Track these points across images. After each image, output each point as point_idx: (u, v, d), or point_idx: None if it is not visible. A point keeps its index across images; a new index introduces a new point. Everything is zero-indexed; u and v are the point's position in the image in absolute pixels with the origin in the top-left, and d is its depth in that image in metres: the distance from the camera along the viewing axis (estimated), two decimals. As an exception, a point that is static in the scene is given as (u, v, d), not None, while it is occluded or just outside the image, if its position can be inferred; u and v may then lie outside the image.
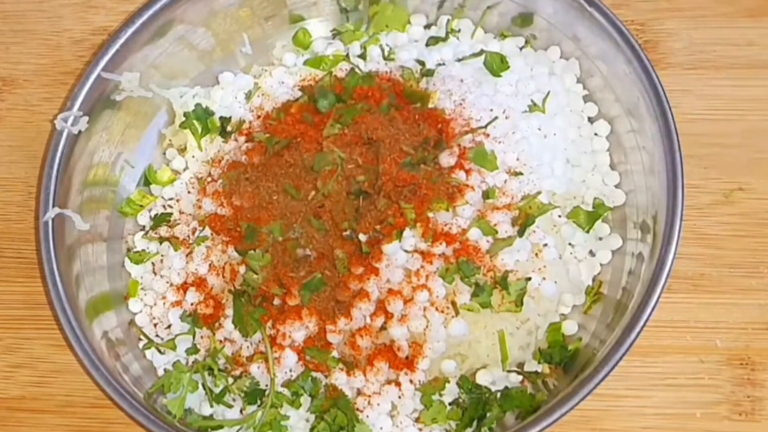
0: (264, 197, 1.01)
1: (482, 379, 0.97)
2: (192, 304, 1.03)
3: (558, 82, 1.07)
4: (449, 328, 0.96)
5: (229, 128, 1.09)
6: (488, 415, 0.96)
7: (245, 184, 1.02)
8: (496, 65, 1.05)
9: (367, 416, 0.96)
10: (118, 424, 1.05)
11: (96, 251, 1.06)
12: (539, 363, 0.99)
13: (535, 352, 1.00)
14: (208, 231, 1.03)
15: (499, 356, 0.98)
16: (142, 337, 1.05)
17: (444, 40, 1.09)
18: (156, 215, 1.08)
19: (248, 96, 1.11)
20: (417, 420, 0.97)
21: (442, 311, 0.96)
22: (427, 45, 1.09)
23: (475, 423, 0.97)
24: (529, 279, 0.97)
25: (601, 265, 1.02)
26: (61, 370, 1.08)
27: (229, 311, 1.00)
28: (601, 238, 1.03)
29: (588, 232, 1.01)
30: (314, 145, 1.01)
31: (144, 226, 1.09)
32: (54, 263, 0.99)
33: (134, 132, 1.10)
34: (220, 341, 1.01)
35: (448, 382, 0.97)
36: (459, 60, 1.07)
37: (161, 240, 1.06)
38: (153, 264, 1.07)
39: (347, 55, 1.09)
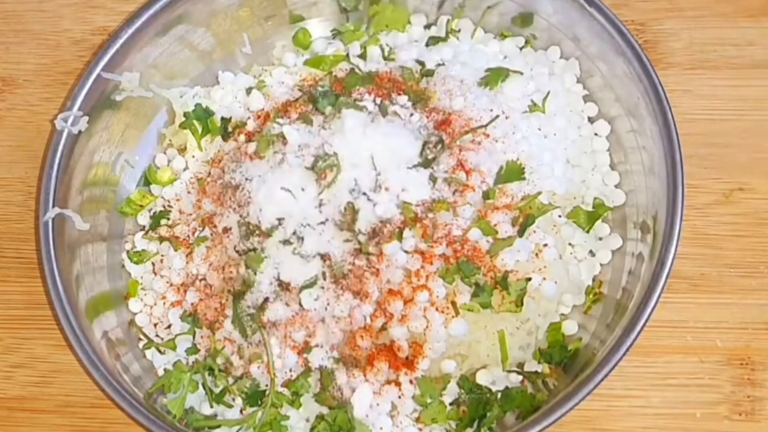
0: (264, 197, 1.01)
1: (482, 379, 0.97)
2: (192, 304, 1.03)
3: (558, 82, 1.07)
4: (449, 329, 0.95)
5: (229, 128, 1.09)
6: (488, 415, 0.96)
7: (245, 184, 1.02)
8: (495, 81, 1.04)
9: (367, 416, 0.96)
10: (118, 424, 1.05)
11: (96, 251, 1.06)
12: (539, 363, 0.99)
13: (535, 352, 0.99)
14: (208, 231, 1.03)
15: (499, 356, 0.97)
16: (142, 337, 1.05)
17: (444, 40, 1.09)
18: (155, 214, 1.08)
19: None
20: (417, 420, 0.97)
21: (443, 311, 0.96)
22: (427, 45, 1.09)
23: (475, 423, 0.96)
24: (530, 279, 0.96)
25: (601, 265, 1.02)
26: (61, 370, 1.08)
27: (229, 311, 1.00)
28: (601, 238, 1.03)
29: (588, 232, 1.01)
30: (314, 145, 1.01)
31: (144, 226, 1.09)
32: (54, 263, 0.99)
33: (134, 132, 1.10)
34: (220, 341, 1.01)
35: (448, 382, 0.97)
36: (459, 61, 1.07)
37: (161, 240, 1.06)
38: (153, 264, 1.07)
39: (347, 55, 1.09)
